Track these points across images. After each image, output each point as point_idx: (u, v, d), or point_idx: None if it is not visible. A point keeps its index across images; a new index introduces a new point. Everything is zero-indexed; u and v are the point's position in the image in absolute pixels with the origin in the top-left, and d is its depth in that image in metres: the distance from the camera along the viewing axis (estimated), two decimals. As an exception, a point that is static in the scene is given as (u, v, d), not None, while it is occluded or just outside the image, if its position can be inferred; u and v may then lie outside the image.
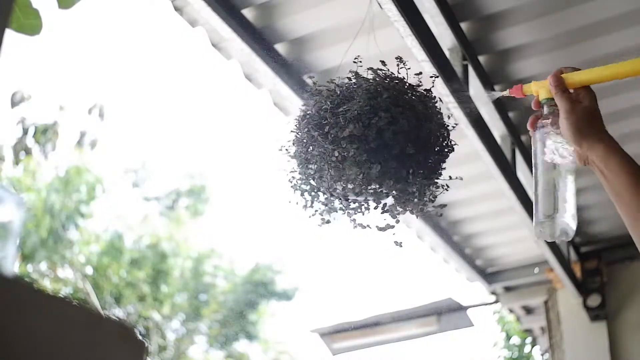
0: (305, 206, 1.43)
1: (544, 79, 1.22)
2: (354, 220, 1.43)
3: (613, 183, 1.10)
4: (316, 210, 1.43)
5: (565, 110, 1.14)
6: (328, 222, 1.44)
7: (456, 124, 1.51)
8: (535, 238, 1.19)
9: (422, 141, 1.35)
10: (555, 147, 1.18)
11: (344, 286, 20.58)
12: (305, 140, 1.38)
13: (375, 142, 1.30)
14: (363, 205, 1.42)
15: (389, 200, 1.41)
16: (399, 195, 1.38)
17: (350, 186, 1.36)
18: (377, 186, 1.35)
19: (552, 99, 1.17)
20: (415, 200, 1.39)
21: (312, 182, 1.41)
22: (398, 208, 1.41)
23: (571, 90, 1.16)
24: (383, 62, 1.44)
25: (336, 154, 1.31)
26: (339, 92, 1.39)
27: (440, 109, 1.45)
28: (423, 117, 1.37)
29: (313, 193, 1.42)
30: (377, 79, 1.40)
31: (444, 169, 1.43)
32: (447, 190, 1.42)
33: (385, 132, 1.31)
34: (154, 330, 10.55)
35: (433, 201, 1.42)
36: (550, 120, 1.18)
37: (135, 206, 11.59)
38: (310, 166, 1.38)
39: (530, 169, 3.03)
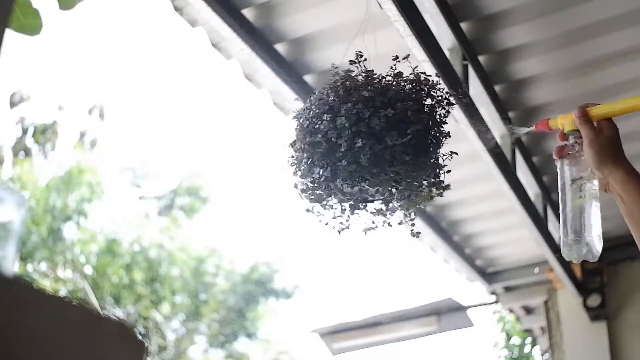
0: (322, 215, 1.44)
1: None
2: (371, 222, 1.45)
3: (631, 208, 1.18)
4: (335, 216, 1.45)
5: (589, 138, 1.24)
6: (347, 228, 1.46)
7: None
8: (564, 257, 1.32)
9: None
10: (579, 174, 1.28)
11: (344, 286, 20.59)
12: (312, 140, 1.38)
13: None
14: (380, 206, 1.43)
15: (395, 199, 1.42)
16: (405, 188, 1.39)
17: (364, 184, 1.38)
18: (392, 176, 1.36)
19: (577, 130, 1.27)
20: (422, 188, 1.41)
21: (320, 189, 1.41)
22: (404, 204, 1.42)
23: (594, 123, 1.26)
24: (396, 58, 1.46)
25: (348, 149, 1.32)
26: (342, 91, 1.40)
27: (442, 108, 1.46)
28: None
29: (328, 199, 1.43)
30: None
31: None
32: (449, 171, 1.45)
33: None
34: (154, 330, 10.55)
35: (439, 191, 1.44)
36: (575, 149, 1.29)
37: (134, 205, 11.59)
38: (318, 170, 1.38)
39: (530, 169, 3.04)
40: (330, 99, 1.40)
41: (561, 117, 1.32)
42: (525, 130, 1.47)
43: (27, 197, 9.15)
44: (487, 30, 2.37)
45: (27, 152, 8.75)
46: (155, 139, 19.00)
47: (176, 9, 2.25)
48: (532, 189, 3.11)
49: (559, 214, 1.31)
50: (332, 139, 1.35)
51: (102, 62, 19.61)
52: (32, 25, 1.31)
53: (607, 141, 1.24)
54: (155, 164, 14.66)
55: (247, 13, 2.24)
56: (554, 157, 1.32)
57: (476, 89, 2.43)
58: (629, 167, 1.21)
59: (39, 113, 9.25)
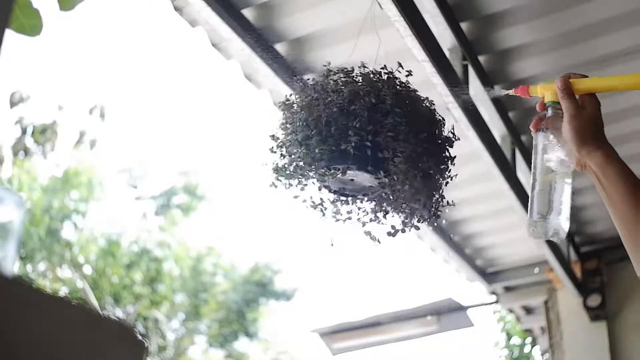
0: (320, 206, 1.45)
1: (545, 79, 1.23)
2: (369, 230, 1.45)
3: (609, 192, 1.12)
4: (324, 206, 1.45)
5: (570, 114, 1.16)
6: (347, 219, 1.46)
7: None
8: (529, 236, 1.22)
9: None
10: (555, 149, 1.20)
11: (344, 286, 20.59)
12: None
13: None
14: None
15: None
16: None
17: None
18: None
19: (558, 102, 1.19)
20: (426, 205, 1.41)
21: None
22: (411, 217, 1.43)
23: (577, 96, 1.18)
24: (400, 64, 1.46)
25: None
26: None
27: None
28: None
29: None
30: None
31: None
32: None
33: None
34: (154, 330, 10.54)
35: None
36: (553, 123, 1.20)
37: (132, 205, 11.59)
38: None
39: (530, 169, 3.03)
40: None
41: (542, 86, 1.24)
42: (503, 92, 1.40)
43: (26, 197, 9.15)
44: (487, 30, 2.37)
45: (27, 152, 8.74)
46: (154, 139, 19.00)
47: (176, 9, 2.25)
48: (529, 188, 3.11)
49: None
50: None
51: (102, 62, 19.61)
52: (32, 25, 1.31)
53: (589, 119, 1.16)
54: (151, 165, 14.68)
55: (247, 13, 2.24)
56: (531, 128, 1.24)
57: (476, 89, 2.43)
58: (608, 150, 1.14)
59: (39, 113, 9.26)
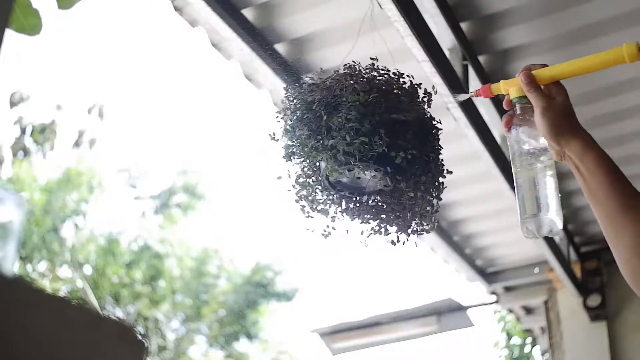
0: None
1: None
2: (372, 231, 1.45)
3: (588, 180, 1.09)
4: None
5: (542, 106, 1.12)
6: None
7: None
8: (525, 236, 1.19)
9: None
10: (530, 144, 1.18)
11: (344, 286, 20.59)
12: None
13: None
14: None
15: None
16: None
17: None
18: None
19: (524, 97, 1.17)
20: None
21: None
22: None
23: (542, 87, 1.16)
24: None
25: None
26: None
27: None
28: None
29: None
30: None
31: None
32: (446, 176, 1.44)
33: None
34: (154, 330, 10.54)
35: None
36: (523, 118, 1.18)
37: (132, 205, 11.59)
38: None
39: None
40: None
41: (504, 82, 1.22)
42: (466, 96, 1.37)
43: (25, 197, 9.15)
44: (487, 30, 2.37)
45: (26, 152, 8.74)
46: (154, 138, 19.00)
47: (176, 9, 2.25)
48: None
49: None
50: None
51: (101, 62, 19.62)
52: (32, 25, 1.31)
53: (561, 109, 1.12)
54: (151, 164, 14.69)
55: (247, 13, 2.24)
56: (503, 128, 1.21)
57: (476, 89, 2.42)
58: (585, 136, 1.11)
59: (38, 113, 9.25)
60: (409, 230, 1.43)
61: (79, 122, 9.17)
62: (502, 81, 1.23)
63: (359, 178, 1.40)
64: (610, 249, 1.12)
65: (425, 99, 1.43)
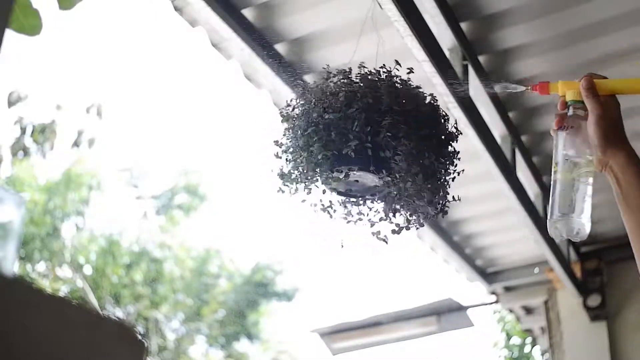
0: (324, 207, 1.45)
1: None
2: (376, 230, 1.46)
3: (627, 193, 1.14)
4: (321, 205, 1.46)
5: (597, 114, 1.16)
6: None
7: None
8: (550, 235, 1.22)
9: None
10: (576, 149, 1.20)
11: (344, 286, 20.59)
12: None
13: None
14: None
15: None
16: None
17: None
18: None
19: (580, 101, 1.20)
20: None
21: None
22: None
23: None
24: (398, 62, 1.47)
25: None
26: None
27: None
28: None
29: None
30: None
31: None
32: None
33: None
34: (154, 330, 10.54)
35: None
36: (574, 121, 1.20)
37: (133, 205, 11.58)
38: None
39: (530, 169, 3.04)
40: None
41: (563, 84, 1.23)
42: (519, 88, 1.34)
43: (25, 197, 9.15)
44: (487, 30, 2.37)
45: (26, 152, 8.73)
46: (155, 139, 19.01)
47: (176, 9, 2.25)
48: (532, 189, 3.11)
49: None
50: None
51: (101, 62, 19.62)
52: (32, 25, 1.32)
53: (613, 120, 1.17)
54: (152, 164, 14.68)
55: (247, 13, 2.24)
56: (554, 126, 1.23)
57: (476, 89, 2.43)
58: (631, 150, 1.15)
59: (38, 112, 9.24)
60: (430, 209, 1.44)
61: (78, 121, 9.17)
62: (560, 82, 1.25)
63: (357, 181, 1.42)
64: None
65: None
